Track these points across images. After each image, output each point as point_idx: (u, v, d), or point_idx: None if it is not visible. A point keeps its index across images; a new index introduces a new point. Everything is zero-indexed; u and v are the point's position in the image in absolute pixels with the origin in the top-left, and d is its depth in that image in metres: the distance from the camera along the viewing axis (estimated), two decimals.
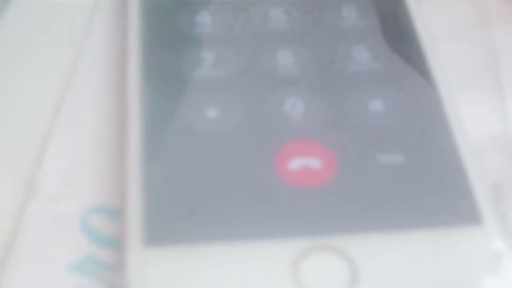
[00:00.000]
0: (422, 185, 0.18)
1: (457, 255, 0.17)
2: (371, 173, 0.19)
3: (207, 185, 0.18)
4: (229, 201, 0.18)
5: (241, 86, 0.20)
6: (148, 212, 0.18)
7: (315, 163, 0.19)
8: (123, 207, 0.18)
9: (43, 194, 0.19)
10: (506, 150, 0.21)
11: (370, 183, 0.18)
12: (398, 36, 0.21)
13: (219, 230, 0.17)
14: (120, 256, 0.18)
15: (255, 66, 0.20)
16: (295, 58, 0.21)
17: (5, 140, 0.21)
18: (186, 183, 0.18)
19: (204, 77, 0.20)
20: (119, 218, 0.19)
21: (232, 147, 0.19)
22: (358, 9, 0.22)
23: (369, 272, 0.17)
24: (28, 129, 0.21)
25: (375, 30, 0.21)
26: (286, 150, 0.19)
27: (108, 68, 0.22)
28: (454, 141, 0.19)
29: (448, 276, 0.17)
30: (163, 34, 0.21)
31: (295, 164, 0.19)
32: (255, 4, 0.22)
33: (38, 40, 0.23)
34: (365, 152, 0.19)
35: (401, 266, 0.17)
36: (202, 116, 0.19)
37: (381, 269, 0.17)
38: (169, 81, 0.20)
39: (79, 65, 0.22)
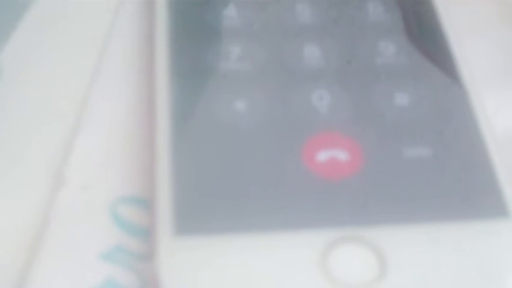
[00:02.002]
0: (449, 178, 0.19)
1: (484, 248, 0.18)
2: (398, 165, 0.19)
3: (236, 176, 0.18)
4: (258, 192, 0.18)
5: (269, 79, 0.20)
6: (178, 202, 0.18)
7: (342, 155, 0.19)
8: (152, 196, 0.18)
9: (73, 185, 0.20)
10: None
11: (397, 175, 0.19)
12: (424, 30, 0.21)
13: (248, 220, 0.18)
14: (150, 245, 0.18)
15: (281, 60, 0.21)
16: (322, 51, 0.21)
17: (36, 131, 0.21)
18: (215, 174, 0.18)
19: (232, 70, 0.20)
20: (148, 208, 0.19)
21: (260, 139, 0.19)
22: (383, 3, 0.22)
23: (396, 263, 0.17)
24: (58, 120, 0.21)
25: (400, 24, 0.21)
26: (313, 143, 0.19)
27: (137, 60, 0.22)
28: (480, 135, 0.19)
29: (475, 268, 0.17)
30: (190, 28, 0.21)
31: (323, 156, 0.19)
32: None
33: (64, 34, 0.23)
34: (391, 145, 0.19)
35: (429, 257, 0.17)
36: (230, 108, 0.20)
37: (408, 260, 0.17)
38: (197, 74, 0.20)
39: (108, 57, 0.22)
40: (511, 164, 0.20)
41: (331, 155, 0.19)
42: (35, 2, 0.23)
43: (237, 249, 0.17)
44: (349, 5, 0.22)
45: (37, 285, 0.18)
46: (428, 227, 0.18)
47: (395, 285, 0.17)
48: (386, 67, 0.21)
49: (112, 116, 0.21)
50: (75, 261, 0.18)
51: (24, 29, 0.23)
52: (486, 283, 0.17)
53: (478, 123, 0.19)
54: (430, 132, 0.19)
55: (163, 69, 0.20)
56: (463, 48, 0.21)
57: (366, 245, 0.17)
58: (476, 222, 0.18)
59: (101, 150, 0.20)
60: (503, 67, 0.23)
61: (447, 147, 0.19)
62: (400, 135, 0.19)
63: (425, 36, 0.21)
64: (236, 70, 0.20)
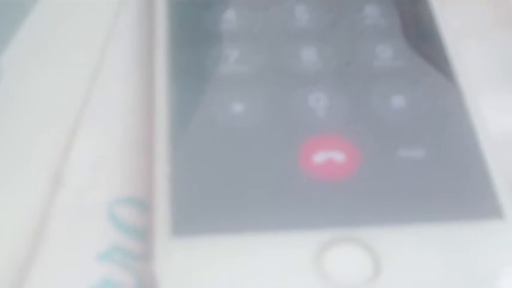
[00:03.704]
0: (444, 179, 0.19)
1: (478, 249, 0.18)
2: (393, 167, 0.19)
3: (233, 177, 0.18)
4: (255, 193, 0.18)
5: (266, 82, 0.20)
6: (176, 202, 0.18)
7: (338, 157, 0.19)
8: (150, 197, 0.18)
9: (71, 186, 0.20)
10: None
11: (393, 177, 0.19)
12: (421, 34, 0.22)
13: (245, 221, 0.18)
14: (147, 246, 0.18)
15: (279, 63, 0.21)
16: (319, 54, 0.21)
17: (34, 133, 0.21)
18: (213, 175, 0.19)
19: (230, 72, 0.21)
20: (146, 209, 0.19)
21: (257, 141, 0.19)
22: (380, 7, 0.22)
23: (390, 264, 0.17)
24: (56, 122, 0.21)
25: (397, 28, 0.22)
26: (310, 144, 0.19)
27: (136, 63, 0.22)
28: (475, 137, 0.19)
29: (469, 269, 0.17)
30: (189, 31, 0.21)
31: (320, 157, 0.19)
32: (279, 2, 0.22)
33: (64, 37, 0.23)
34: (388, 147, 0.19)
35: (423, 258, 0.18)
36: (228, 110, 0.20)
37: (403, 261, 0.17)
38: (196, 76, 0.20)
39: (106, 59, 0.22)
40: (506, 167, 0.20)
41: (328, 156, 0.19)
42: (36, 5, 0.24)
43: (234, 249, 0.17)
44: (346, 8, 0.22)
45: (36, 285, 0.18)
46: (422, 228, 0.18)
47: (390, 286, 0.17)
48: (383, 70, 0.21)
49: (110, 118, 0.21)
50: (73, 261, 0.18)
51: (25, 32, 0.23)
52: (480, 284, 0.17)
53: (473, 125, 0.20)
54: (425, 135, 0.19)
55: (162, 71, 0.20)
56: (460, 52, 0.21)
57: (360, 245, 0.18)
58: (471, 223, 0.18)
59: (99, 151, 0.20)
60: (500, 70, 0.23)
61: (442, 149, 0.19)
62: (396, 137, 0.19)
63: (422, 40, 0.21)
64: (234, 72, 0.21)
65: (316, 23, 0.22)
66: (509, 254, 0.18)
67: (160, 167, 0.19)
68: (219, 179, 0.18)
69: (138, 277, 0.18)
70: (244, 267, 0.17)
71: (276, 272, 0.17)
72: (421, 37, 0.22)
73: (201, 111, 0.20)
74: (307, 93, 0.20)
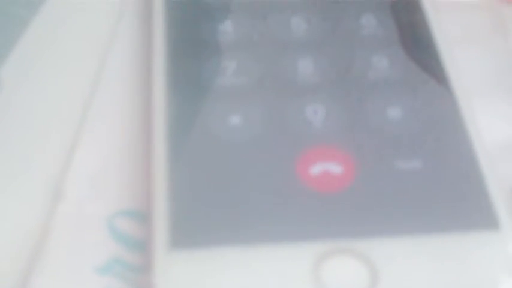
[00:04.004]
0: (440, 190, 0.19)
1: (474, 260, 0.18)
2: (390, 178, 0.19)
3: (231, 190, 0.19)
4: (253, 205, 0.18)
5: (263, 93, 0.21)
6: (174, 215, 0.18)
7: (335, 168, 0.19)
8: (149, 209, 0.19)
9: (71, 198, 0.20)
10: None
11: (389, 188, 0.19)
12: (417, 44, 0.22)
13: (242, 233, 0.18)
14: (146, 258, 0.18)
15: (276, 74, 0.21)
16: (316, 66, 0.21)
17: (34, 146, 0.21)
18: (211, 188, 0.19)
19: (227, 84, 0.21)
20: (145, 221, 0.19)
21: (254, 153, 0.19)
22: (376, 18, 0.22)
23: (387, 275, 0.18)
24: (56, 134, 0.21)
25: (393, 38, 0.22)
26: (307, 156, 0.19)
27: (133, 75, 0.22)
28: (471, 147, 0.20)
29: (465, 280, 0.18)
30: (187, 42, 0.22)
31: (316, 169, 0.19)
32: (276, 13, 0.22)
33: (63, 48, 0.23)
34: (384, 158, 0.19)
35: (419, 269, 0.18)
36: (225, 122, 0.20)
37: (399, 272, 0.18)
38: (193, 89, 0.20)
39: (105, 73, 0.22)
40: (503, 176, 0.20)
41: (325, 168, 0.19)
42: (35, 17, 0.24)
43: (232, 261, 0.18)
44: (343, 19, 0.22)
45: None
46: (419, 239, 0.18)
47: None
48: (379, 80, 0.21)
49: (109, 131, 0.21)
50: (73, 273, 0.19)
51: (25, 43, 0.23)
52: None
53: (469, 135, 0.20)
54: (421, 145, 0.20)
55: (160, 84, 0.21)
56: (455, 60, 0.21)
57: (357, 256, 0.18)
58: (467, 234, 0.18)
59: (98, 164, 0.21)
60: (496, 77, 0.23)
61: (438, 160, 0.19)
62: (393, 148, 0.20)
63: (417, 49, 0.22)
64: (232, 84, 0.21)
65: (313, 34, 0.22)
66: (505, 264, 0.18)
67: (159, 179, 0.19)
68: (217, 191, 0.19)
69: None
70: (242, 279, 0.17)
71: (274, 283, 0.17)
72: (417, 46, 0.22)
73: (199, 124, 0.20)
74: (304, 104, 0.20)
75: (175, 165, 0.19)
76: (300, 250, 0.18)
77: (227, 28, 0.22)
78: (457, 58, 0.21)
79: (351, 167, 0.19)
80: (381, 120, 0.20)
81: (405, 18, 0.22)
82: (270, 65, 0.21)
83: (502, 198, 0.19)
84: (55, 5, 0.24)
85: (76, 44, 0.23)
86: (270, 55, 0.21)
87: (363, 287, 0.17)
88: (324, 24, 0.22)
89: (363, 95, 0.21)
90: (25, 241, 0.19)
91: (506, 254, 0.18)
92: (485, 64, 0.23)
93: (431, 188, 0.19)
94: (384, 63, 0.21)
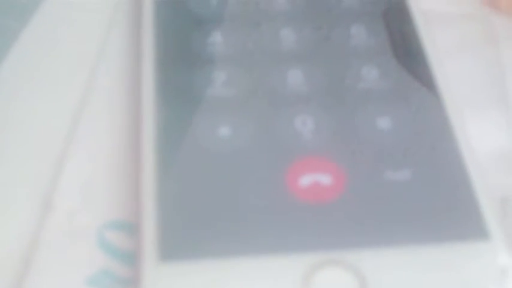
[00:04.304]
0: (430, 201, 0.19)
1: (464, 270, 0.18)
2: (380, 189, 0.19)
3: (220, 202, 0.19)
4: (242, 217, 0.18)
5: (252, 105, 0.21)
6: (163, 228, 0.18)
7: (325, 179, 0.19)
8: (138, 222, 0.19)
9: (60, 210, 0.20)
10: None
11: (379, 199, 0.19)
12: (407, 54, 0.22)
13: (231, 245, 0.18)
14: (135, 271, 0.18)
15: (265, 85, 0.21)
16: (305, 77, 0.21)
17: (23, 157, 0.21)
18: (199, 200, 0.19)
19: (216, 95, 0.21)
20: (134, 233, 0.19)
21: (243, 165, 0.19)
22: (366, 28, 0.22)
23: (377, 285, 0.17)
24: (45, 146, 0.21)
25: (383, 48, 0.22)
26: (296, 167, 0.19)
27: (123, 87, 0.22)
28: (461, 158, 0.20)
29: None
30: (177, 53, 0.22)
31: (306, 180, 0.19)
32: (266, 24, 0.22)
33: (53, 59, 0.23)
34: (374, 169, 0.19)
35: (409, 280, 0.18)
36: (215, 133, 0.20)
37: (389, 282, 0.18)
38: (182, 100, 0.21)
39: (94, 83, 0.22)
40: (494, 186, 0.20)
41: (314, 179, 0.19)
42: (26, 27, 0.24)
43: (222, 274, 0.18)
44: (332, 30, 0.22)
45: None
46: (409, 250, 0.18)
47: None
48: (368, 91, 0.21)
49: (99, 142, 0.21)
50: (62, 285, 0.19)
51: (15, 55, 0.23)
52: None
53: (459, 146, 0.20)
54: (411, 156, 0.20)
55: (149, 95, 0.21)
56: (445, 71, 0.21)
57: (347, 268, 0.18)
58: (458, 244, 0.18)
59: (88, 175, 0.21)
60: (487, 87, 0.23)
61: (428, 171, 0.19)
62: (383, 159, 0.20)
63: (407, 59, 0.22)
64: (221, 95, 0.21)
65: (302, 44, 0.22)
66: (495, 275, 0.18)
67: (147, 191, 0.19)
68: (206, 204, 0.19)
69: None
70: None
71: None
72: (407, 57, 0.22)
73: (188, 135, 0.20)
74: (293, 115, 0.20)
75: (164, 176, 0.19)
76: (290, 262, 0.18)
77: (217, 39, 0.22)
78: (449, 68, 0.21)
79: (340, 178, 0.19)
80: (371, 131, 0.20)
81: (395, 28, 0.22)
82: (260, 75, 0.21)
83: (492, 209, 0.19)
84: (45, 16, 0.24)
85: (66, 54, 0.23)
86: (259, 66, 0.21)
87: None
88: (314, 34, 0.22)
89: (353, 106, 0.21)
90: (15, 251, 0.19)
91: (496, 265, 0.18)
92: (476, 74, 0.23)
93: (422, 198, 0.19)
94: (373, 74, 0.21)
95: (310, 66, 0.21)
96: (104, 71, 0.23)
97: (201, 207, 0.19)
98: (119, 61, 0.23)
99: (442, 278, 0.18)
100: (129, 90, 0.22)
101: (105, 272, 0.19)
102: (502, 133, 0.22)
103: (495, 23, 0.24)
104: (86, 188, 0.20)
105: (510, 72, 0.23)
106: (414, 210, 0.19)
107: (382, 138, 0.20)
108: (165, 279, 0.17)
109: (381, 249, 0.18)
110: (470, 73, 0.23)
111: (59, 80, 0.23)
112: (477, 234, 0.18)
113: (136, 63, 0.22)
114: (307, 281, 0.18)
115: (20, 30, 0.24)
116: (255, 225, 0.18)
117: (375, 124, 0.20)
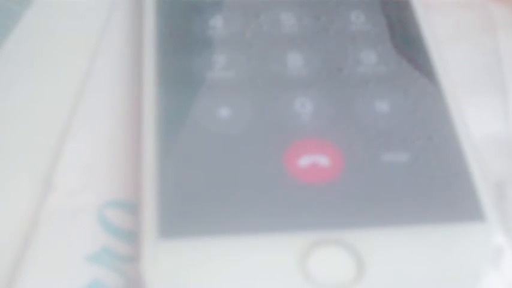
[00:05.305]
0: (426, 183, 0.19)
1: (460, 250, 0.18)
2: (377, 170, 0.19)
3: (219, 181, 0.19)
4: (241, 196, 0.19)
5: (252, 87, 0.21)
6: (163, 205, 0.18)
7: (323, 160, 0.19)
8: (138, 200, 0.19)
9: (61, 189, 0.20)
10: (509, 150, 0.21)
11: (376, 180, 0.19)
12: (405, 40, 0.22)
13: (230, 224, 0.18)
14: (135, 248, 0.18)
15: (265, 68, 0.21)
16: (305, 60, 0.21)
17: (24, 137, 0.21)
18: (199, 179, 0.19)
19: (217, 78, 0.21)
20: (134, 211, 0.19)
21: (243, 145, 0.20)
22: (366, 14, 0.22)
23: (373, 265, 0.18)
24: (46, 126, 0.21)
25: (382, 34, 0.22)
26: (295, 148, 0.20)
27: (124, 67, 0.22)
28: (458, 141, 0.20)
29: (451, 270, 0.18)
30: (177, 37, 0.22)
31: (304, 161, 0.19)
32: (266, 9, 0.22)
33: (56, 40, 0.23)
34: (371, 151, 0.20)
35: (405, 259, 0.18)
36: (215, 115, 0.20)
37: (385, 262, 0.18)
38: (183, 81, 0.21)
39: (96, 64, 0.23)
40: (490, 169, 0.20)
41: (313, 160, 0.19)
42: (28, 10, 0.24)
43: (220, 251, 0.18)
44: (332, 15, 0.22)
45: (25, 286, 0.18)
46: (405, 230, 0.18)
47: (373, 287, 0.18)
48: (367, 75, 0.21)
49: (100, 122, 0.21)
50: (63, 262, 0.19)
51: (15, 38, 0.23)
52: (461, 285, 0.18)
53: (456, 129, 0.20)
54: (408, 138, 0.20)
55: (150, 76, 0.21)
56: (443, 57, 0.22)
57: (344, 247, 0.18)
58: (453, 225, 0.18)
59: (89, 155, 0.21)
60: (484, 74, 0.23)
61: (425, 153, 0.20)
62: (380, 141, 0.20)
63: (406, 45, 0.22)
64: (221, 78, 0.21)
65: (302, 29, 0.22)
66: (490, 256, 0.18)
67: (148, 170, 0.19)
68: (205, 183, 0.19)
69: (126, 279, 0.19)
70: (230, 269, 0.18)
71: (262, 273, 0.18)
72: (406, 43, 0.22)
73: (188, 116, 0.20)
74: (292, 98, 0.20)
75: (164, 156, 0.19)
76: (288, 240, 0.18)
77: (217, 22, 0.22)
78: (446, 55, 0.22)
79: (338, 159, 0.19)
80: (369, 114, 0.20)
81: (394, 14, 0.23)
82: (259, 59, 0.21)
83: (488, 191, 0.19)
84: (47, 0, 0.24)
85: (68, 37, 0.23)
86: (259, 49, 0.22)
87: (350, 277, 0.18)
88: (314, 19, 0.22)
89: (351, 89, 0.21)
90: (15, 231, 0.19)
91: (491, 246, 0.18)
92: (474, 61, 0.23)
93: (418, 180, 0.19)
94: (372, 59, 0.21)
95: (309, 50, 0.22)
96: (106, 53, 0.23)
97: (201, 186, 0.19)
98: (120, 43, 0.23)
99: (439, 258, 0.18)
100: (130, 71, 0.22)
101: (106, 249, 0.19)
102: (498, 119, 0.22)
103: (492, 10, 0.25)
104: (86, 167, 0.20)
105: (507, 59, 0.23)
106: (411, 191, 0.19)
107: (379, 121, 0.20)
108: (164, 256, 0.18)
109: (378, 229, 0.18)
110: (467, 60, 0.23)
111: (61, 62, 0.23)
112: (473, 215, 0.19)
113: (138, 46, 0.22)
114: (304, 259, 0.18)
115: (21, 14, 0.24)
116: (253, 204, 0.18)
117: (373, 107, 0.20)
